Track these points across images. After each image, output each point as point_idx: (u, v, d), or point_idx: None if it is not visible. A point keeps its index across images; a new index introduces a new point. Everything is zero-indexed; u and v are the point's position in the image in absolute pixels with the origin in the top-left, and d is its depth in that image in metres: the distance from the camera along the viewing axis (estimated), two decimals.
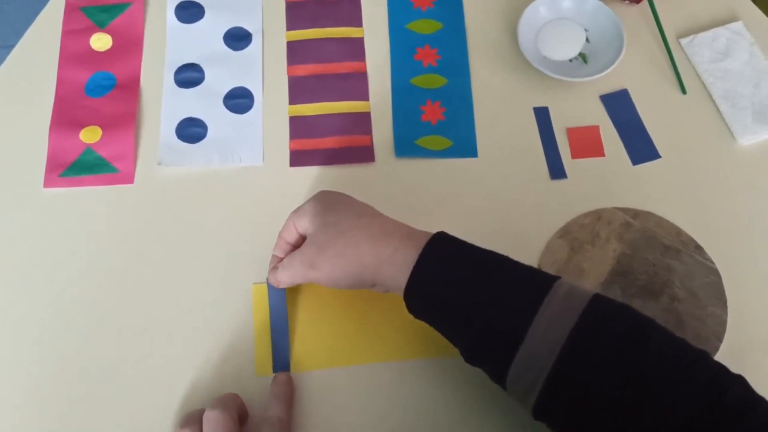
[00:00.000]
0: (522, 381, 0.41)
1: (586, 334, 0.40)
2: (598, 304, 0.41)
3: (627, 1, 0.66)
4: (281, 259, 0.51)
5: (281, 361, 0.51)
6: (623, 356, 0.39)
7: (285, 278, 0.50)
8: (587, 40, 0.64)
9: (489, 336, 0.42)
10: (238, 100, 0.61)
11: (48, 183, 0.58)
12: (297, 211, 0.50)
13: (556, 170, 0.59)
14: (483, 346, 0.43)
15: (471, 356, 0.44)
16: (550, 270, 0.54)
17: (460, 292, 0.43)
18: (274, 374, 0.51)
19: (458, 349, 0.45)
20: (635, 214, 0.57)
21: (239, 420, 0.46)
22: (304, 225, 0.49)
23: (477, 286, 0.43)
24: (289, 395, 0.49)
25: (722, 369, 0.39)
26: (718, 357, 0.51)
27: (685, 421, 0.37)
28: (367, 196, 0.57)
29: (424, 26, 0.65)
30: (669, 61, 0.64)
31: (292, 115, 0.61)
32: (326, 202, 0.49)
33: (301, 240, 0.50)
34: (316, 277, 0.48)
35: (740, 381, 0.39)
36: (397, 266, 0.45)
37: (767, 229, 0.57)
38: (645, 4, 0.66)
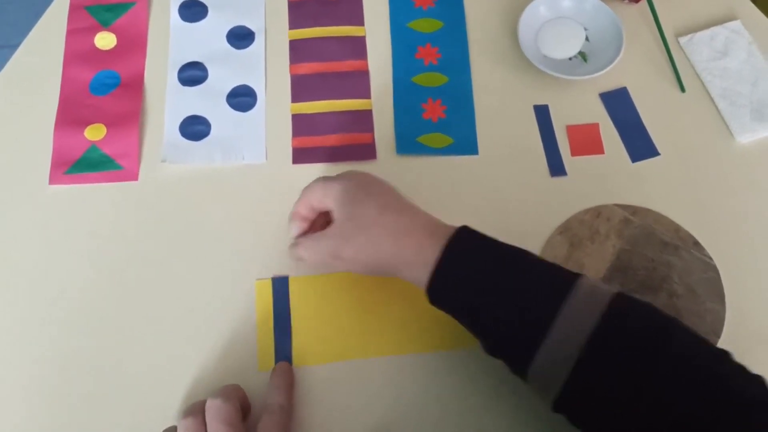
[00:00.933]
0: (543, 376, 0.42)
1: (608, 331, 0.40)
2: (620, 302, 0.42)
3: (626, 1, 0.67)
4: (303, 225, 0.51)
5: (283, 356, 0.52)
6: (644, 354, 0.40)
7: (307, 258, 0.50)
8: (587, 38, 0.64)
9: (511, 332, 0.43)
10: (241, 98, 0.62)
11: (53, 180, 0.58)
12: (326, 186, 0.50)
13: (556, 167, 0.60)
14: (505, 342, 0.44)
15: (492, 350, 0.45)
16: None
17: (481, 289, 0.44)
18: (274, 365, 0.51)
19: (479, 341, 0.46)
20: (634, 210, 0.57)
21: (242, 411, 0.46)
22: (330, 206, 0.49)
23: (499, 283, 0.44)
24: (289, 384, 0.50)
25: (742, 369, 0.40)
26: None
27: (704, 420, 0.38)
28: None
29: (425, 25, 0.66)
30: (668, 59, 0.64)
31: (295, 113, 0.62)
32: (353, 192, 0.49)
33: (324, 211, 0.51)
34: (338, 265, 0.49)
35: (759, 381, 0.39)
36: (418, 267, 0.45)
37: (765, 225, 0.57)
38: (644, 3, 0.66)
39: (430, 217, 0.49)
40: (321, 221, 0.52)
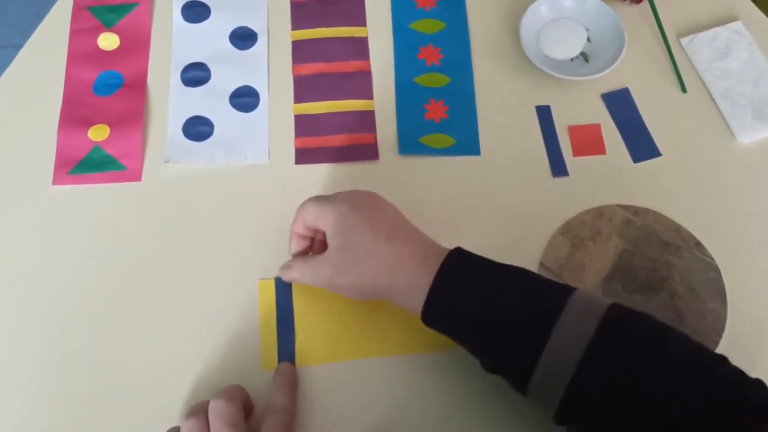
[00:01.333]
0: (544, 390, 0.42)
1: (605, 341, 0.41)
2: (615, 313, 0.42)
3: (627, 1, 0.67)
4: (303, 244, 0.52)
5: (286, 355, 0.52)
6: (642, 361, 0.40)
7: (302, 281, 0.51)
8: (588, 39, 0.64)
9: (508, 350, 0.43)
10: (244, 99, 0.62)
11: (57, 180, 0.58)
12: (319, 208, 0.49)
13: (558, 168, 0.60)
14: (502, 361, 0.44)
15: (491, 368, 0.45)
16: (553, 266, 0.55)
17: (476, 311, 0.44)
18: (277, 365, 0.52)
19: (478, 360, 0.46)
20: (636, 211, 0.57)
21: (244, 411, 0.47)
22: (323, 229, 0.49)
23: (493, 303, 0.44)
24: (292, 384, 0.50)
25: (741, 373, 0.40)
26: (717, 352, 0.52)
27: (704, 424, 0.38)
28: None
29: (427, 26, 0.66)
30: (669, 60, 0.64)
31: (297, 113, 0.62)
32: (346, 218, 0.48)
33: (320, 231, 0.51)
34: (333, 291, 0.49)
35: (760, 385, 0.40)
36: (412, 294, 0.46)
37: (766, 225, 0.57)
38: (645, 3, 0.66)
39: (423, 240, 0.49)
40: (322, 236, 0.52)
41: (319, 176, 0.59)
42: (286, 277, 0.52)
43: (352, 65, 0.64)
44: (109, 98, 0.62)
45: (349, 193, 0.50)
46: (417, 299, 0.45)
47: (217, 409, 0.45)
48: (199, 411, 0.46)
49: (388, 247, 0.47)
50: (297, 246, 0.52)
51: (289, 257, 0.53)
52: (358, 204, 0.49)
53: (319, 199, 0.50)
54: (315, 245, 0.53)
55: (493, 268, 0.46)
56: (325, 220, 0.49)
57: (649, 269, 0.55)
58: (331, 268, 0.48)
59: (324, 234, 0.50)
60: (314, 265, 0.49)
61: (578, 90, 0.63)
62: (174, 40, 0.65)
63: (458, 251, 0.47)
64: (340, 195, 0.50)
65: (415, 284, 0.45)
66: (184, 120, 0.61)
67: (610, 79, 0.63)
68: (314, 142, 0.61)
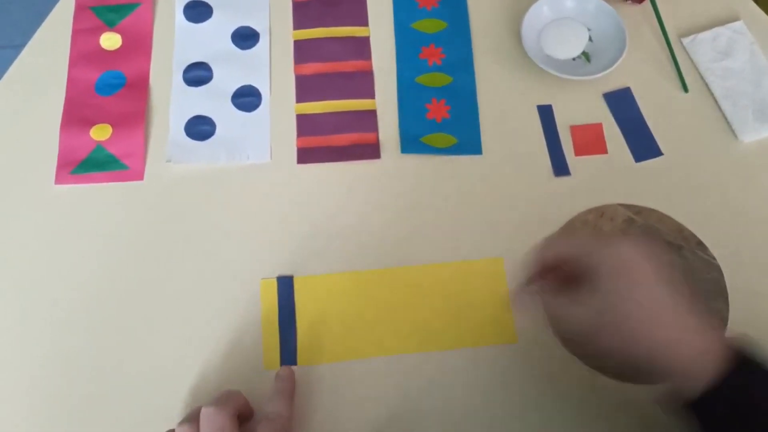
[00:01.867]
0: None
1: None
2: None
3: (629, 1, 0.67)
4: (540, 275, 0.47)
5: (288, 354, 0.52)
6: None
7: (542, 310, 0.46)
8: (590, 39, 0.64)
9: None
10: (246, 99, 0.62)
11: (59, 180, 0.58)
12: (588, 256, 0.43)
13: (560, 167, 0.60)
14: None
15: None
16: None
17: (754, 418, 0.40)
18: (277, 369, 0.51)
19: None
20: (638, 210, 0.57)
21: (243, 416, 0.46)
22: (581, 270, 0.44)
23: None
24: (290, 390, 0.49)
25: None
26: None
27: None
28: (373, 192, 0.57)
29: (429, 25, 0.66)
30: (671, 59, 0.64)
31: (299, 113, 0.62)
32: (614, 278, 0.42)
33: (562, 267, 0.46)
34: (575, 344, 0.45)
35: None
36: (678, 381, 0.41)
37: None
38: (647, 3, 0.66)
39: (687, 318, 0.42)
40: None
41: (321, 175, 0.59)
42: (524, 306, 0.47)
43: (353, 65, 0.64)
44: (111, 98, 0.62)
45: (618, 246, 0.44)
46: (685, 389, 0.41)
47: (207, 416, 0.44)
48: (192, 417, 0.46)
49: (658, 322, 0.41)
50: (538, 276, 0.47)
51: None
52: (625, 262, 0.43)
53: (592, 245, 0.44)
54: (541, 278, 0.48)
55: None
56: (591, 268, 0.43)
57: None
58: (592, 326, 0.42)
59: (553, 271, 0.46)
60: (576, 312, 0.43)
61: (580, 89, 0.63)
62: (176, 40, 0.65)
63: (743, 347, 0.42)
64: (611, 247, 0.44)
65: (692, 373, 0.41)
66: (186, 120, 0.61)
67: (612, 79, 0.63)
68: (316, 142, 0.61)
